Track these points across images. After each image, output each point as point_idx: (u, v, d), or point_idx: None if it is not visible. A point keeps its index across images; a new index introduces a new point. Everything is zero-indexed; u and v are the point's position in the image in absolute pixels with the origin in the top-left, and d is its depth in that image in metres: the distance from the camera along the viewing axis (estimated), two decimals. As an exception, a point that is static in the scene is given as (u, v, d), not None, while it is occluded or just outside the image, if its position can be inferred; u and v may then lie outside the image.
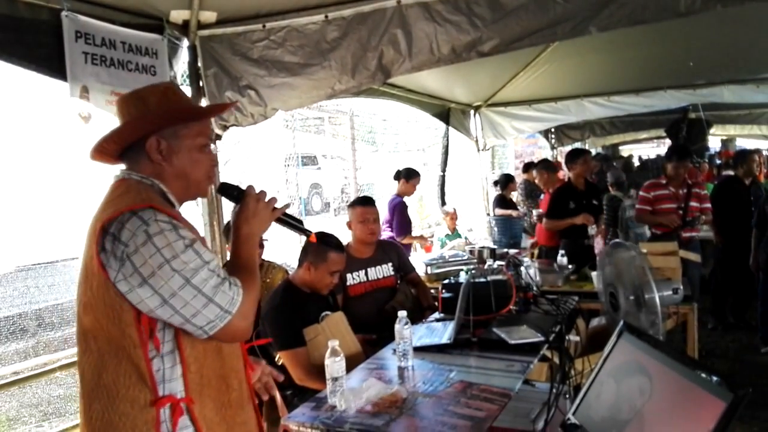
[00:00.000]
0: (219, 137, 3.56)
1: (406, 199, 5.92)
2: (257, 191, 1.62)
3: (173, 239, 1.38)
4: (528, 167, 8.53)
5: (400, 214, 5.80)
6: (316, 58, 3.22)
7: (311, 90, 3.33)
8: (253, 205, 1.59)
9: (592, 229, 5.00)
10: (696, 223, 4.82)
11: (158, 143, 1.51)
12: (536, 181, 7.02)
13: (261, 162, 9.58)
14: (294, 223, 1.71)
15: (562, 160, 8.75)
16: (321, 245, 2.96)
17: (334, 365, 2.17)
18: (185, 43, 3.37)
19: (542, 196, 7.00)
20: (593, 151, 10.84)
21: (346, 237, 3.64)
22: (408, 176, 5.87)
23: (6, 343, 5.53)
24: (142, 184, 1.50)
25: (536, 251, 6.22)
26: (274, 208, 1.62)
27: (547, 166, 6.87)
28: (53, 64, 2.68)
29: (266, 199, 1.61)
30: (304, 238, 3.04)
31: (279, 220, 1.66)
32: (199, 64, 3.40)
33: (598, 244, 4.88)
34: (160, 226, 1.38)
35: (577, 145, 10.11)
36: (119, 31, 2.95)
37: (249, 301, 1.49)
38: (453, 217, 6.90)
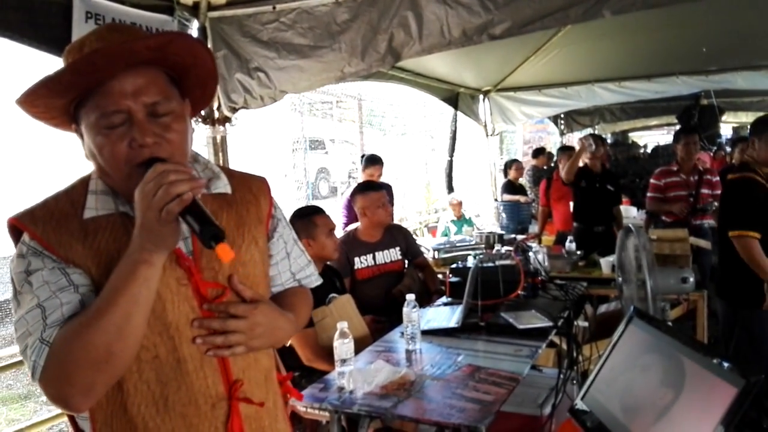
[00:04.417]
0: (228, 119, 3.56)
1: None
2: (164, 169, 0.97)
3: (18, 269, 1.05)
4: (537, 153, 8.49)
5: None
6: (326, 41, 3.20)
7: (321, 72, 3.31)
8: (144, 193, 0.97)
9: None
10: (709, 209, 4.76)
11: (78, 134, 1.12)
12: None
13: (268, 146, 9.57)
14: (197, 227, 0.98)
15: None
16: (302, 218, 3.02)
17: (343, 347, 2.18)
18: (195, 24, 3.35)
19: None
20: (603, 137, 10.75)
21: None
22: (364, 166, 5.21)
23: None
24: (82, 182, 1.14)
25: (549, 237, 6.15)
26: (176, 197, 0.95)
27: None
28: (64, 45, 2.66)
29: (170, 179, 0.95)
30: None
31: (184, 218, 0.98)
32: (209, 46, 3.38)
33: None
34: (18, 249, 1.07)
35: (588, 130, 10.04)
36: (129, 12, 2.93)
37: (61, 364, 0.97)
38: (458, 205, 6.89)
